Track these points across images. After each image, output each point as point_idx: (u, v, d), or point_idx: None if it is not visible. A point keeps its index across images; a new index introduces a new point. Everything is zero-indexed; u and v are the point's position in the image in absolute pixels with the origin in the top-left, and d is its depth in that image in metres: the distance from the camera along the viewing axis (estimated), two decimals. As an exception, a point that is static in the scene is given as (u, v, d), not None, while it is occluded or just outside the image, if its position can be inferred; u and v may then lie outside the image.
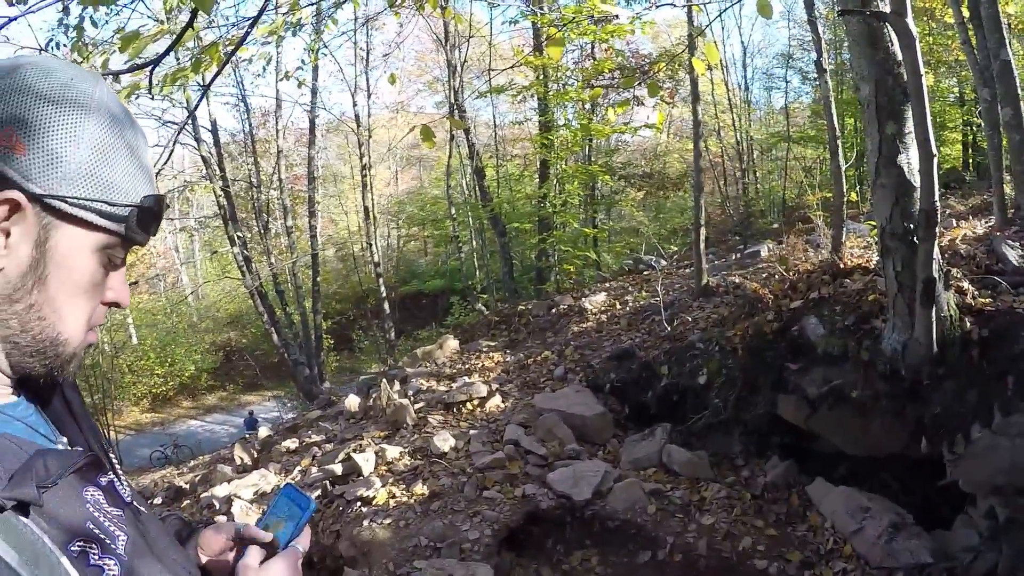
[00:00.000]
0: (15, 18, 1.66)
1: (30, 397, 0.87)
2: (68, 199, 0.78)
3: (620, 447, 6.00)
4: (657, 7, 4.50)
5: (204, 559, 1.06)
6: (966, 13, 7.31)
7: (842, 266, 5.65)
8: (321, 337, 18.14)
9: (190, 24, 2.31)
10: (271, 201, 19.19)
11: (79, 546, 0.75)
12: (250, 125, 19.14)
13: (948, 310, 4.19)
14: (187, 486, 8.21)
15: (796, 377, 5.09)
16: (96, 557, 0.76)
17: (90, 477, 0.84)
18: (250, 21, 3.28)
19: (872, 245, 6.43)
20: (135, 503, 0.92)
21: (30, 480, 0.71)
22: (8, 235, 0.76)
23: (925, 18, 12.13)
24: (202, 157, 16.15)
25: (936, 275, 3.99)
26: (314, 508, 1.07)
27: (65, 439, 0.90)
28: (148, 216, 0.85)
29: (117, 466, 0.95)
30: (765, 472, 5.35)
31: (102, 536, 0.79)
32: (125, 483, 0.93)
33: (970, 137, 15.76)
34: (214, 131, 16.52)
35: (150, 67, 2.42)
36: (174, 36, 2.87)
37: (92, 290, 0.83)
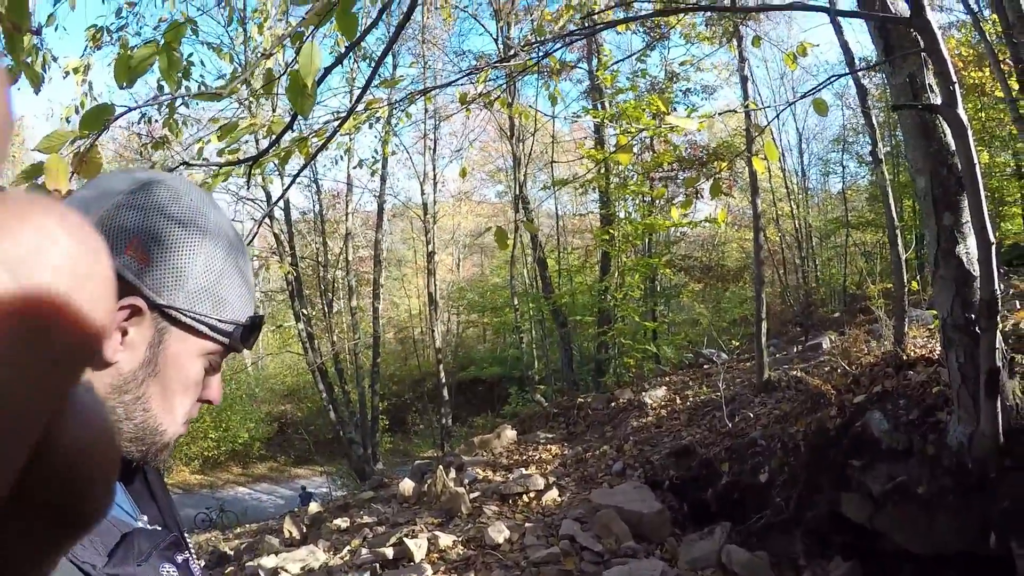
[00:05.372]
0: (137, 107, 1.85)
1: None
2: (185, 312, 0.86)
3: (678, 546, 5.86)
4: (720, 115, 4.64)
5: None
6: (1015, 87, 6.94)
7: (905, 358, 5.55)
8: (377, 418, 18.22)
9: (290, 126, 2.52)
10: (336, 280, 19.69)
11: None
12: (320, 206, 19.78)
13: (1014, 399, 4.09)
14: (232, 552, 8.22)
15: (859, 474, 4.96)
16: None
17: (168, 555, 0.89)
18: (339, 120, 3.52)
19: (935, 334, 6.29)
20: None
21: (132, 558, 0.77)
22: (125, 334, 0.83)
23: (977, 94, 12.03)
24: (274, 235, 16.76)
25: (1000, 364, 3.91)
26: None
27: (145, 517, 0.95)
28: (249, 332, 0.94)
29: (190, 545, 1.01)
30: (828, 573, 5.15)
31: None
32: (196, 562, 0.98)
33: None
34: (286, 210, 17.09)
35: (251, 162, 2.64)
36: (264, 127, 3.12)
37: (193, 389, 0.91)
